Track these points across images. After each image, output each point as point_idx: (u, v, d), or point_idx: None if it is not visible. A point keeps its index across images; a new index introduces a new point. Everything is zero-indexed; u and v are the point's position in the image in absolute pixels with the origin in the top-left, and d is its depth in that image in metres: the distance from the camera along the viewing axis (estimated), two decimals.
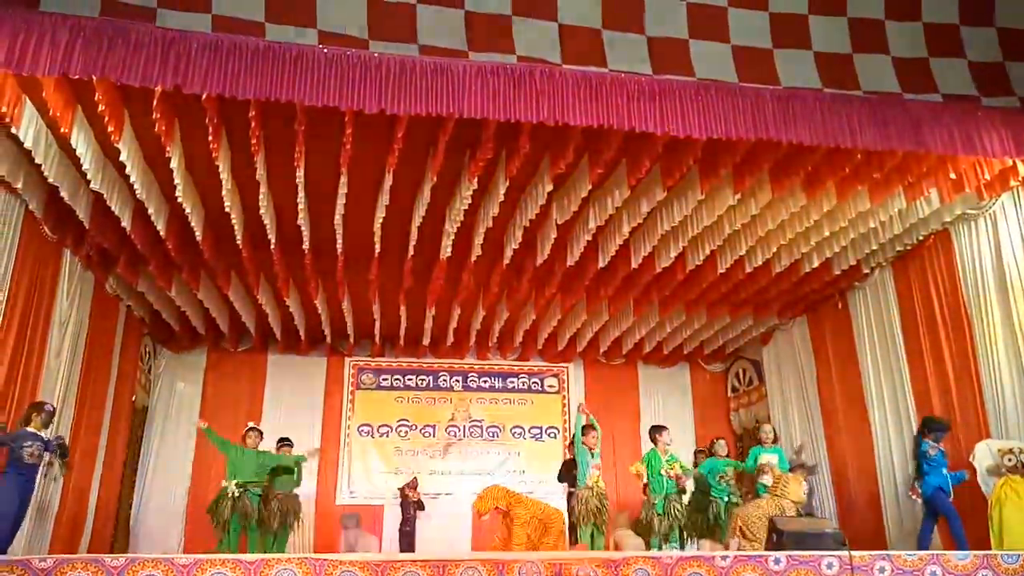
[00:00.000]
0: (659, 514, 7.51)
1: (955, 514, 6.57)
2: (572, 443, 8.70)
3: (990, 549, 5.97)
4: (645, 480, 7.84)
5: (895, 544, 8.07)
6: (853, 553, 5.08)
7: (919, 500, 6.92)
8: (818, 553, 5.11)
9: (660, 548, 7.40)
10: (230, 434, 8.27)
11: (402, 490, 9.97)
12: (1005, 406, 6.92)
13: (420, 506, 9.91)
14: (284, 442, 8.54)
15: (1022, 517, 6.15)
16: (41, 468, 6.22)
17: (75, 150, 5.81)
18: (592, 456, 7.39)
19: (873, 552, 5.48)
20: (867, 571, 4.98)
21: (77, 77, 4.67)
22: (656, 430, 8.03)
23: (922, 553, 5.41)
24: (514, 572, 4.61)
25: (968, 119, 5.76)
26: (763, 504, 7.03)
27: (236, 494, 7.63)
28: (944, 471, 6.70)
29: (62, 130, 5.57)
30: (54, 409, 6.48)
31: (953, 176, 6.70)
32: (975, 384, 7.31)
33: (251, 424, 8.52)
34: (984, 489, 6.67)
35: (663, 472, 7.63)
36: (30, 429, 6.02)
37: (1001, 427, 6.93)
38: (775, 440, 8.55)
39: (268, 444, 8.51)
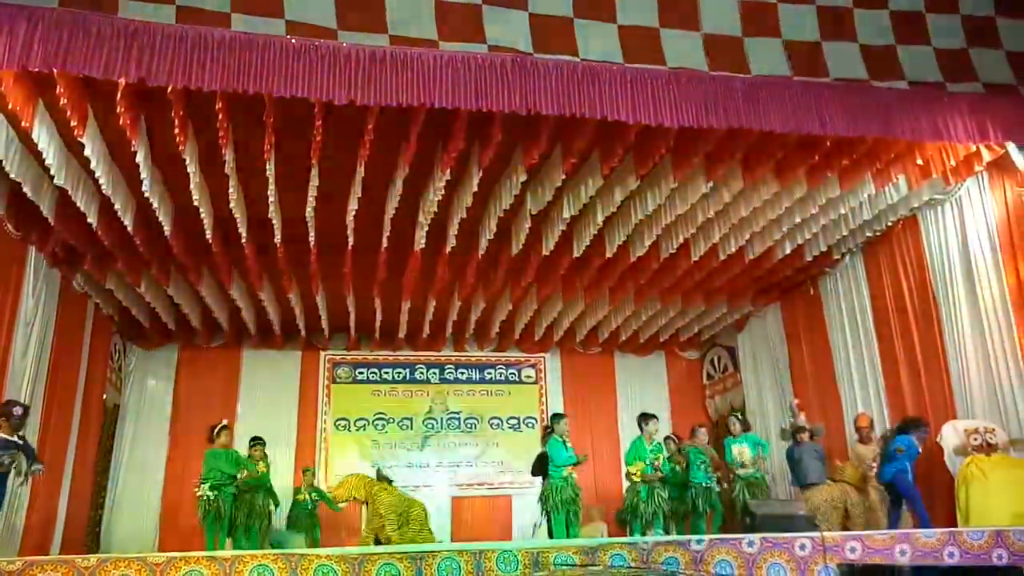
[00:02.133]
0: (643, 501, 7.57)
1: (917, 495, 6.73)
2: (546, 435, 8.73)
3: (956, 527, 6.11)
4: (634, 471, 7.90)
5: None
6: (825, 534, 5.17)
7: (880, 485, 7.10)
8: (791, 535, 5.19)
9: (643, 535, 7.45)
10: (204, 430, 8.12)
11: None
12: (971, 387, 7.08)
13: None
14: (256, 441, 8.31)
15: (987, 495, 6.31)
16: (11, 475, 6.04)
17: (37, 145, 5.66)
18: (566, 448, 7.42)
19: (844, 532, 5.58)
20: (839, 551, 5.07)
21: (37, 70, 4.56)
22: (644, 418, 8.03)
23: (891, 532, 5.52)
24: (492, 561, 4.62)
25: (934, 106, 5.85)
26: (827, 490, 7.39)
27: (211, 497, 7.48)
28: (908, 464, 6.83)
29: (23, 124, 5.43)
30: (23, 410, 6.12)
31: (920, 162, 6.83)
32: (942, 366, 7.48)
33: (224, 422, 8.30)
34: (951, 468, 6.82)
35: (650, 463, 7.69)
36: (1, 435, 5.85)
37: (967, 408, 7.09)
38: (746, 428, 8.69)
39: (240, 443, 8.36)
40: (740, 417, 8.96)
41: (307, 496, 9.36)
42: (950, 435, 6.91)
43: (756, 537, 5.14)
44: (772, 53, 5.80)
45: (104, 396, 9.87)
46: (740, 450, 8.15)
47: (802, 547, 5.07)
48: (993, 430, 6.58)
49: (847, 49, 5.96)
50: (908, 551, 5.22)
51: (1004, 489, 6.24)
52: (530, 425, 11.96)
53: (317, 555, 4.55)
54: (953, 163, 6.82)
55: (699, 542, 5.04)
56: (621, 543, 5.01)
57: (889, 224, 8.21)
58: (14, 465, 6.00)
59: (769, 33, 5.85)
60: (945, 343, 7.46)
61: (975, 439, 6.56)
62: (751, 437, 8.60)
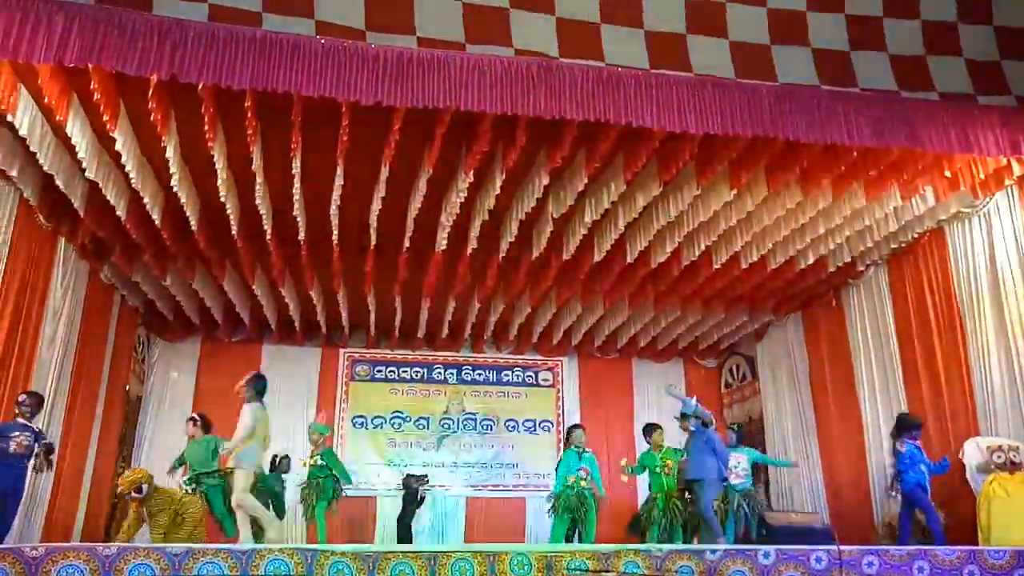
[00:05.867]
0: (660, 511, 7.60)
1: (933, 510, 6.62)
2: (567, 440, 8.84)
3: (978, 545, 6.02)
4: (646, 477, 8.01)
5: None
6: (842, 547, 5.12)
7: (898, 497, 6.97)
8: (807, 547, 5.14)
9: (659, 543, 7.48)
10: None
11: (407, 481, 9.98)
12: (995, 404, 6.96)
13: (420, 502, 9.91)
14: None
15: (1010, 514, 6.19)
16: (32, 460, 6.14)
17: (70, 138, 5.78)
18: (580, 459, 7.52)
19: (862, 547, 5.52)
20: (856, 565, 5.02)
21: (72, 65, 4.65)
22: (649, 429, 8.08)
23: (910, 548, 5.45)
24: (505, 564, 4.63)
25: (964, 118, 5.77)
26: None
27: (188, 489, 7.36)
28: (922, 467, 6.72)
29: (57, 118, 5.55)
30: (29, 399, 6.11)
31: (948, 174, 6.73)
32: (966, 382, 7.36)
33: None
34: (973, 486, 6.71)
35: (658, 470, 7.72)
36: (20, 420, 5.98)
37: (990, 424, 6.98)
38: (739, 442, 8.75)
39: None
40: (736, 428, 8.97)
41: (315, 460, 8.32)
42: (972, 452, 6.79)
43: (771, 549, 5.10)
44: (800, 61, 5.78)
45: (127, 387, 10.03)
46: (737, 459, 8.11)
47: (818, 560, 5.02)
48: (1017, 448, 6.46)
49: (877, 59, 5.92)
50: (927, 568, 5.15)
51: None
52: (546, 428, 11.94)
53: (332, 551, 4.59)
54: (982, 176, 6.71)
55: (714, 552, 5.01)
56: (635, 550, 5.00)
57: (915, 236, 8.08)
58: (36, 451, 6.12)
59: (797, 41, 5.82)
60: (969, 358, 7.34)
61: (998, 457, 6.45)
62: (749, 451, 8.61)
